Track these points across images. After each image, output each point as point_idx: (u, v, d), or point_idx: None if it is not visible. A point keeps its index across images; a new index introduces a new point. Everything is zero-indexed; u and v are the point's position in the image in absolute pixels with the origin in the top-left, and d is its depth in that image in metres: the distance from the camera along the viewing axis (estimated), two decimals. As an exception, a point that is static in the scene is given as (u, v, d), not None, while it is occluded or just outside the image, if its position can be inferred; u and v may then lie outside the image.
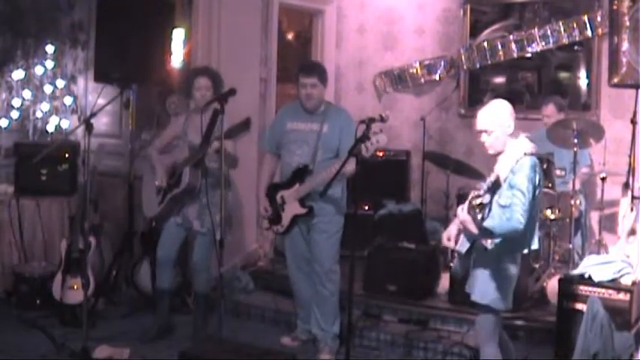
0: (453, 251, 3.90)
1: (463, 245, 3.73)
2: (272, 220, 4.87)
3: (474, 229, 3.54)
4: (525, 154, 3.62)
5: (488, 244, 3.60)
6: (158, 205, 4.94)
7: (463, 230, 3.71)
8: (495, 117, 3.69)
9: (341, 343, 4.83)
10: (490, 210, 3.50)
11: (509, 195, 3.53)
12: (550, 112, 5.89)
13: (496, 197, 3.55)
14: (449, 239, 3.80)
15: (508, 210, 3.50)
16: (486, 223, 3.49)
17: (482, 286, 3.71)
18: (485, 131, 3.70)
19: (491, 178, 3.59)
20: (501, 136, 3.68)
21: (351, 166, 4.13)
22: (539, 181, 3.66)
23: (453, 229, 3.80)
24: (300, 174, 4.72)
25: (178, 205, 4.90)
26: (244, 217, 5.42)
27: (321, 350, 4.81)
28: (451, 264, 3.94)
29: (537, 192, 3.65)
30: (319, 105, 4.78)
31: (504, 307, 3.75)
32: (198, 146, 4.71)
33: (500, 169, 3.62)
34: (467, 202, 3.60)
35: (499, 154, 3.71)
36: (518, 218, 3.50)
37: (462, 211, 3.60)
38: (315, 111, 4.77)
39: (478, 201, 3.52)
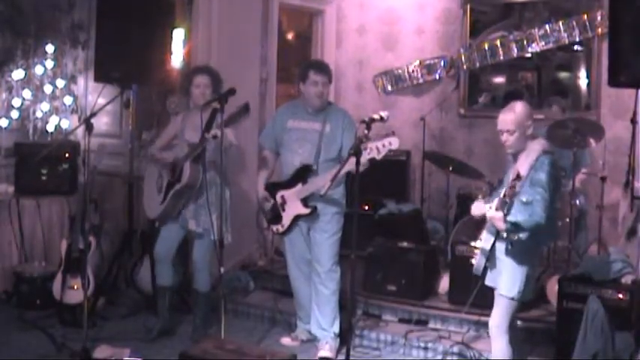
0: (475, 248, 4.03)
1: (487, 241, 3.89)
2: (271, 220, 4.86)
3: (502, 226, 3.69)
4: (545, 152, 3.80)
5: (512, 236, 3.75)
6: (160, 204, 4.93)
7: (486, 227, 3.88)
8: (517, 117, 3.85)
9: (341, 343, 4.83)
10: (512, 207, 3.67)
11: (532, 192, 3.69)
12: (554, 114, 5.97)
13: (518, 195, 3.69)
14: (479, 209, 3.89)
15: (530, 206, 3.67)
16: (511, 218, 3.66)
17: (510, 280, 3.85)
18: (508, 131, 3.85)
19: (515, 177, 3.70)
20: (522, 135, 3.85)
21: (354, 165, 4.13)
22: (558, 178, 3.89)
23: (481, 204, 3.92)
24: (303, 174, 4.70)
25: (181, 202, 4.88)
26: (244, 217, 5.42)
27: (321, 348, 4.81)
28: (472, 261, 4.01)
29: (557, 189, 3.85)
30: (325, 104, 4.77)
31: (528, 300, 3.97)
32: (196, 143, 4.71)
33: (521, 167, 3.78)
34: (498, 199, 3.72)
35: (519, 152, 3.87)
36: (540, 213, 3.67)
37: (491, 209, 3.74)
38: (319, 110, 4.76)
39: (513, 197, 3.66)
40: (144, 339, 4.93)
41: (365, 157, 4.13)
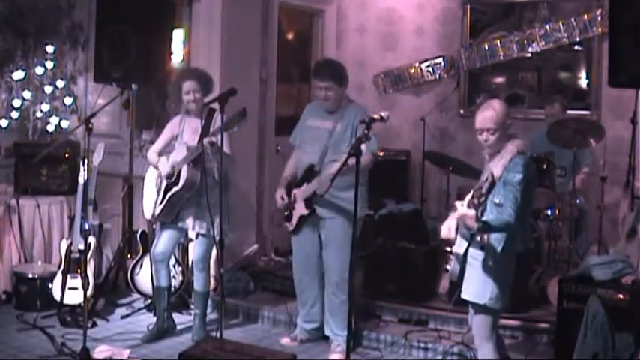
0: (450, 252, 3.90)
1: (460, 246, 3.76)
2: (285, 218, 4.88)
3: (474, 225, 3.55)
4: (519, 152, 3.68)
5: (485, 240, 3.63)
6: (158, 205, 4.92)
7: (460, 230, 3.73)
8: (498, 116, 3.72)
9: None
10: (485, 209, 3.56)
11: (504, 193, 3.58)
12: (556, 111, 5.95)
13: (490, 196, 3.58)
14: (449, 230, 3.77)
15: (502, 208, 3.56)
16: (483, 218, 3.55)
17: (479, 287, 3.72)
18: (489, 130, 3.72)
19: (486, 178, 3.58)
20: (502, 135, 3.73)
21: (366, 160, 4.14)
22: (533, 179, 3.73)
23: (452, 222, 3.78)
24: (308, 174, 4.69)
25: (180, 204, 4.87)
26: (244, 217, 5.42)
27: (333, 350, 4.79)
28: (447, 266, 3.93)
29: (530, 190, 3.70)
30: (338, 105, 4.72)
31: (500, 307, 3.77)
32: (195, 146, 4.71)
33: (495, 168, 3.66)
34: (468, 198, 3.61)
35: (495, 153, 3.75)
36: (510, 212, 3.56)
37: (462, 207, 3.60)
38: (334, 110, 4.74)
39: (481, 198, 3.55)
40: (144, 339, 4.93)
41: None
